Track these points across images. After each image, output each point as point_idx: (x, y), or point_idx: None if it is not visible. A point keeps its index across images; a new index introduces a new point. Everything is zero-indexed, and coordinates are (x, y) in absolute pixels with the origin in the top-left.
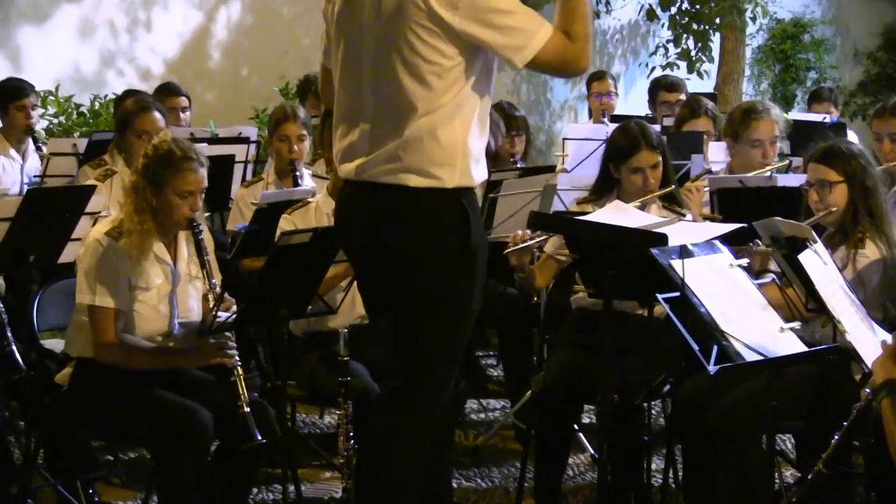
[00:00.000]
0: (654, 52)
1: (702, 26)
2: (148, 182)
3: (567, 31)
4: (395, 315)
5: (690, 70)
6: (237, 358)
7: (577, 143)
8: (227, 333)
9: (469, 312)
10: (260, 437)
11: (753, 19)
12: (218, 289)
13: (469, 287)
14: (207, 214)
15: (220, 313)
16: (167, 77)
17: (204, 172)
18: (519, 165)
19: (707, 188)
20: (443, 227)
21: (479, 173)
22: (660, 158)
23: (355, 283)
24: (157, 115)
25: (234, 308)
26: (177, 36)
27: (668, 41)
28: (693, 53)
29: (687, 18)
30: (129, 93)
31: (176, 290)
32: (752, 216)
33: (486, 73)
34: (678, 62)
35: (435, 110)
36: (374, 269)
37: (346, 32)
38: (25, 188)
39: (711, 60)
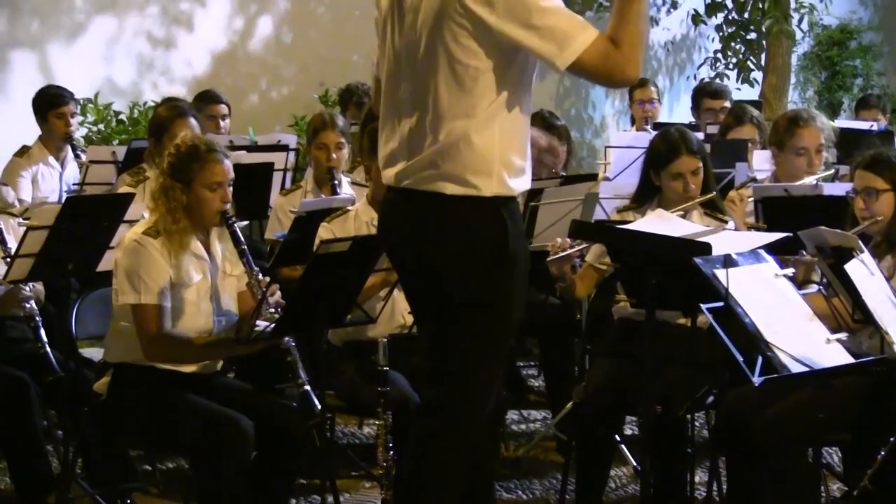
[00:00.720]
0: (703, 64)
1: (751, 34)
2: (176, 180)
3: (614, 36)
4: (434, 324)
5: (744, 80)
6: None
7: (620, 150)
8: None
9: (508, 323)
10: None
11: (811, 27)
12: (260, 275)
13: (507, 297)
14: (246, 223)
15: (258, 322)
16: (207, 84)
17: (229, 164)
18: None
19: (751, 197)
20: (479, 236)
21: (519, 182)
22: (700, 164)
23: (395, 292)
24: (192, 121)
25: (274, 286)
26: (217, 43)
27: (716, 52)
28: (744, 60)
29: (734, 28)
30: (168, 100)
31: (215, 287)
32: (797, 225)
33: (525, 78)
34: (727, 72)
35: (472, 115)
36: (415, 278)
37: (389, 39)
38: (64, 196)
39: (761, 69)
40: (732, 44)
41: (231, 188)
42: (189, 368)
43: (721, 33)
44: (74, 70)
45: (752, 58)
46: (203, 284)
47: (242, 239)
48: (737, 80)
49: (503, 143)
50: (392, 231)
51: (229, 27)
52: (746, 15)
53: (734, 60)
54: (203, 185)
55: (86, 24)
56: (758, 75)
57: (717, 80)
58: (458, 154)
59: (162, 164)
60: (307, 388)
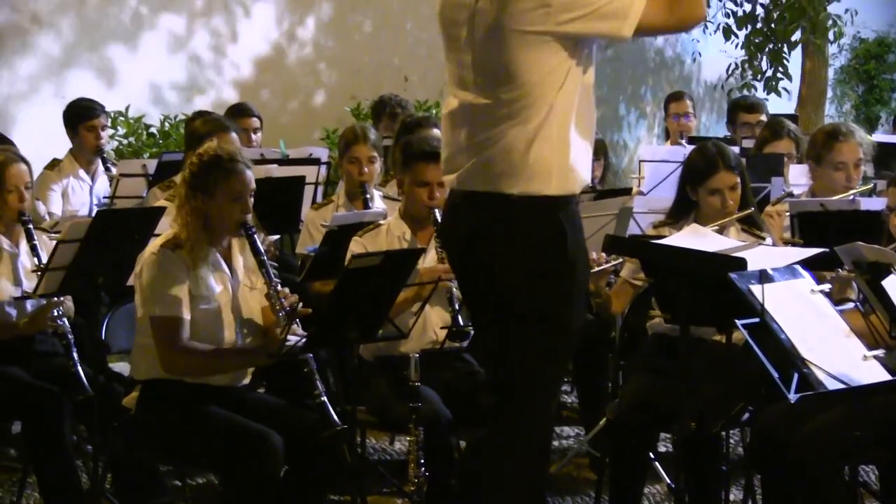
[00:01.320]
0: (731, 74)
1: (776, 45)
2: (197, 191)
3: None
4: (495, 330)
5: (768, 90)
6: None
7: (654, 165)
8: (294, 326)
9: (567, 331)
10: (337, 421)
11: (838, 37)
12: (279, 286)
13: (566, 304)
14: (277, 237)
15: (289, 337)
16: (238, 97)
17: (251, 175)
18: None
19: (787, 212)
20: (538, 239)
21: (579, 180)
22: (738, 180)
23: (426, 307)
24: (234, 135)
25: (292, 297)
26: (247, 57)
27: (742, 61)
28: (769, 72)
29: (760, 38)
30: (199, 114)
31: (236, 299)
32: (834, 241)
33: (584, 78)
34: (754, 83)
35: (531, 116)
36: (475, 282)
37: (456, 48)
38: (95, 210)
39: (790, 78)
40: (759, 54)
41: (252, 199)
42: (218, 381)
43: (747, 46)
44: (112, 81)
45: (779, 68)
46: (224, 296)
47: (262, 249)
48: (763, 90)
49: (564, 141)
50: (452, 235)
51: (262, 41)
52: (773, 25)
53: (762, 70)
54: (225, 196)
55: (125, 35)
56: (787, 84)
57: (746, 91)
58: (518, 154)
59: (183, 174)
60: (324, 399)
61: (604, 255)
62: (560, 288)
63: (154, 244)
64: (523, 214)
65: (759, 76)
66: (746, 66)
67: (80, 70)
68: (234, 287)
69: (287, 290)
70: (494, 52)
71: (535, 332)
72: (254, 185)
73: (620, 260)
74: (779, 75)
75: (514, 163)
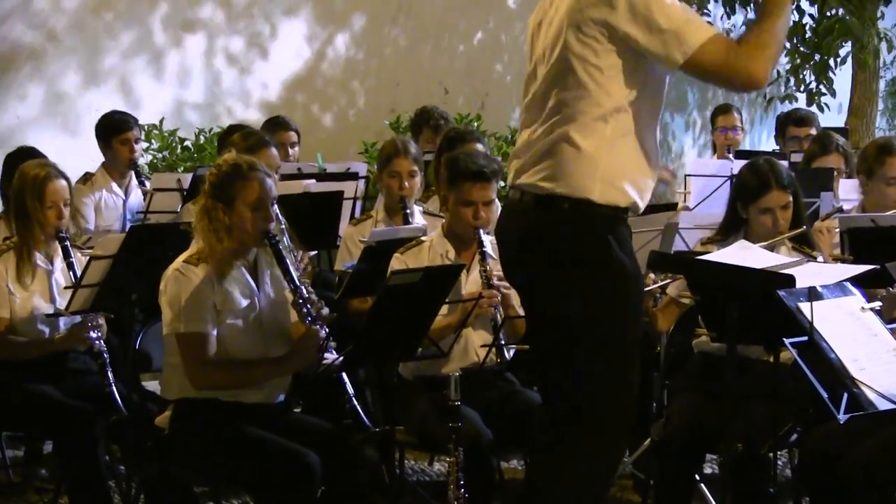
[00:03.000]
0: (774, 82)
1: (822, 58)
2: (218, 200)
3: (742, 39)
4: (544, 339)
5: (809, 103)
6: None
7: (701, 179)
8: (321, 328)
9: (624, 345)
10: (371, 426)
11: (890, 48)
12: (305, 292)
13: (619, 317)
14: (314, 252)
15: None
16: (274, 111)
17: (272, 182)
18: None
19: (837, 228)
20: (578, 239)
21: (625, 194)
22: (790, 198)
23: (469, 328)
24: (273, 151)
25: (318, 303)
26: (285, 69)
27: (787, 72)
28: (813, 86)
29: (807, 49)
30: (234, 127)
31: (263, 314)
32: (884, 257)
33: (651, 90)
34: (797, 94)
35: (585, 117)
36: (522, 283)
37: (531, 51)
38: (128, 225)
39: (833, 94)
40: (805, 65)
41: (275, 207)
42: (252, 399)
43: (792, 56)
44: (145, 94)
45: (823, 82)
46: (250, 310)
47: (286, 257)
48: (807, 103)
49: (615, 146)
50: (505, 234)
51: (300, 54)
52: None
53: (805, 82)
54: (245, 205)
55: (157, 47)
56: (829, 101)
57: (788, 103)
58: (564, 153)
59: (203, 187)
60: (354, 403)
61: (652, 275)
62: (604, 292)
63: (177, 260)
64: (566, 212)
65: (801, 87)
66: (790, 76)
67: (106, 87)
68: (262, 301)
69: (314, 296)
70: (559, 50)
71: (588, 347)
72: (275, 194)
73: (668, 281)
74: (822, 89)
75: (558, 161)
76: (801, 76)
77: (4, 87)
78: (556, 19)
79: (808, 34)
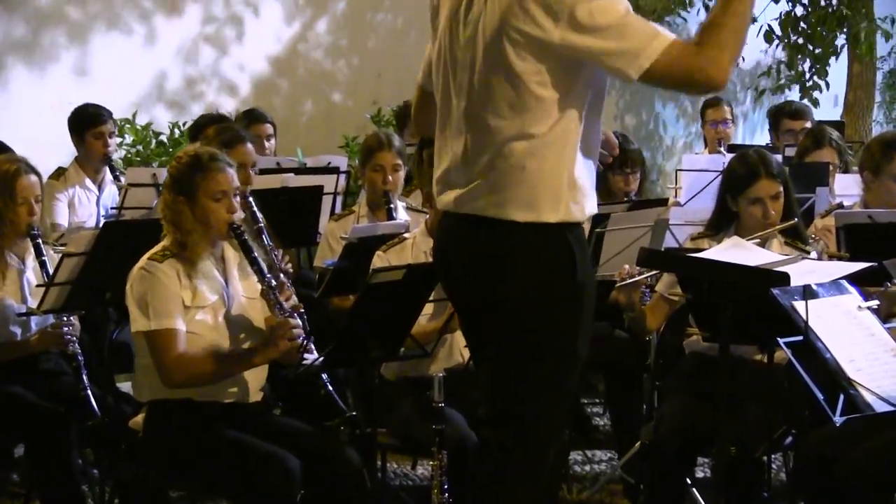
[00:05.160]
0: (767, 73)
1: (817, 50)
2: (179, 194)
3: (698, 38)
4: (496, 359)
5: (803, 96)
6: (305, 341)
7: (692, 174)
8: (293, 316)
9: (574, 357)
10: (345, 408)
11: (888, 37)
12: (274, 281)
13: (574, 330)
14: (293, 249)
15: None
16: (251, 103)
17: (233, 172)
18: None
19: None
20: (546, 265)
21: (587, 207)
22: (781, 188)
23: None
24: (250, 146)
25: (288, 292)
26: (262, 59)
27: (780, 62)
28: (807, 77)
29: (802, 39)
30: (207, 118)
31: (233, 308)
32: (882, 254)
33: (593, 95)
34: (790, 84)
35: (536, 136)
36: (477, 310)
37: (446, 51)
38: (102, 221)
39: (825, 88)
40: (800, 56)
41: (238, 199)
42: (226, 398)
43: (788, 47)
44: (117, 85)
45: (818, 75)
46: (219, 306)
47: (253, 248)
48: (800, 96)
49: (571, 163)
50: (451, 259)
51: (278, 41)
52: (816, 29)
53: (798, 72)
54: (207, 196)
55: (129, 36)
56: (823, 94)
57: (780, 94)
58: (522, 178)
59: (164, 182)
60: (329, 389)
61: (637, 267)
62: (568, 313)
63: (142, 258)
64: (531, 238)
65: (799, 79)
66: (784, 67)
67: (82, 74)
68: (231, 296)
69: (286, 284)
70: (496, 67)
71: (542, 359)
72: (237, 184)
73: (653, 272)
74: (816, 80)
75: (519, 187)
76: (799, 68)
77: None
78: (487, 27)
79: (802, 25)
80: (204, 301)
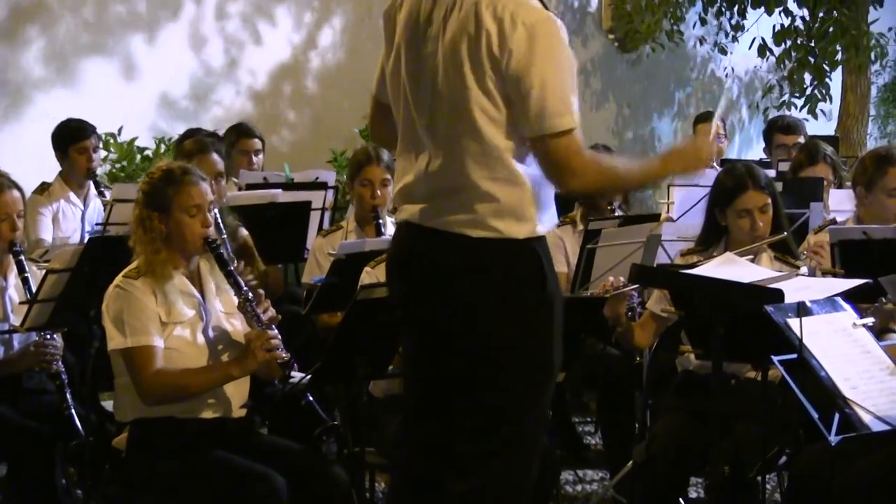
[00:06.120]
0: (769, 91)
1: (817, 62)
2: (153, 209)
3: (604, 157)
4: (462, 373)
5: (811, 111)
6: (284, 354)
7: (684, 189)
8: (271, 328)
9: (550, 370)
10: (327, 418)
11: (880, 57)
12: (251, 294)
13: (548, 342)
14: (280, 266)
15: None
16: (238, 118)
17: (206, 186)
18: (618, 213)
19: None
20: (516, 278)
21: (549, 220)
22: (769, 200)
23: None
24: (215, 156)
25: (266, 303)
26: (248, 74)
27: (781, 79)
28: (809, 91)
29: (802, 53)
30: (191, 132)
31: (211, 324)
32: (877, 271)
33: None
34: (794, 101)
35: (498, 153)
36: (439, 326)
37: (404, 66)
38: (86, 237)
39: (829, 100)
40: (799, 72)
41: (212, 213)
42: (209, 414)
43: (788, 60)
44: (102, 100)
45: (819, 88)
46: (196, 321)
47: (228, 261)
48: (802, 108)
49: (532, 182)
50: (412, 273)
51: (266, 57)
52: (814, 42)
53: (804, 87)
54: (181, 210)
55: (114, 53)
56: (826, 106)
57: (786, 111)
58: (486, 195)
59: (137, 197)
60: (310, 399)
61: (622, 278)
62: (540, 325)
63: (118, 277)
64: (499, 251)
65: (799, 94)
66: (784, 83)
67: (69, 87)
68: (208, 311)
69: (262, 293)
70: (456, 84)
71: (515, 374)
72: (211, 197)
73: (634, 286)
74: (818, 94)
75: (485, 205)
76: (801, 82)
77: None
78: (449, 45)
79: (801, 40)
80: (180, 317)
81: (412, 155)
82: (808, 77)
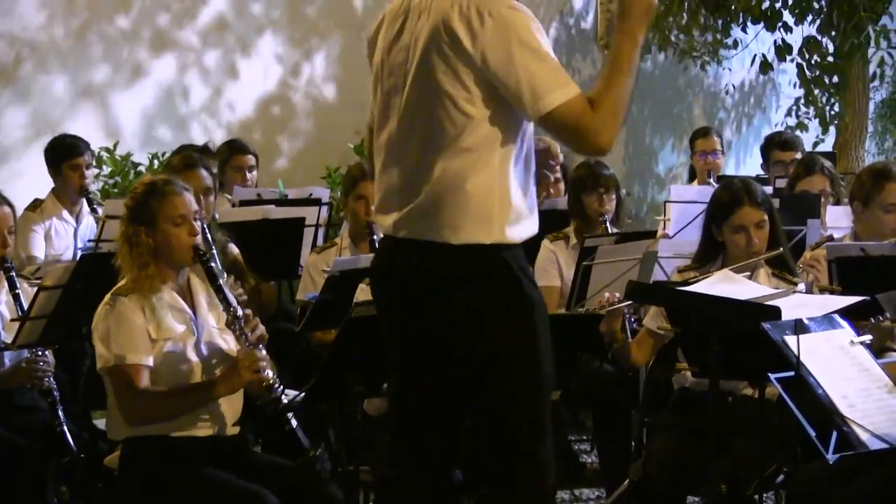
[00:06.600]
0: (789, 114)
1: (832, 79)
2: (138, 224)
3: (595, 99)
4: (447, 387)
5: (826, 130)
6: (270, 373)
7: (681, 206)
8: (258, 348)
9: (541, 377)
10: (308, 446)
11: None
12: (240, 311)
13: (533, 348)
14: (273, 283)
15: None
16: (231, 134)
17: (190, 196)
18: (609, 227)
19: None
20: (490, 285)
21: (524, 229)
22: (765, 216)
23: None
24: (203, 172)
25: (260, 325)
26: (244, 89)
27: (797, 99)
28: (827, 108)
29: (818, 71)
30: (184, 147)
31: (203, 338)
32: (875, 288)
33: (527, 128)
34: (808, 119)
35: (466, 157)
36: (421, 337)
37: (382, 79)
38: (79, 253)
39: (840, 117)
40: (817, 91)
41: (198, 223)
42: (202, 432)
43: (804, 81)
44: (99, 116)
45: (836, 106)
46: (187, 337)
47: (218, 275)
48: (823, 131)
49: (504, 183)
50: (391, 285)
51: (263, 74)
52: (830, 58)
53: (819, 107)
54: (167, 221)
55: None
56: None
57: (799, 131)
58: (453, 200)
59: (122, 214)
60: (294, 424)
61: (617, 294)
62: (521, 330)
63: (107, 295)
64: (470, 259)
65: (818, 114)
66: (801, 103)
67: (66, 107)
68: (199, 325)
69: (250, 312)
70: (425, 87)
71: (505, 381)
72: (195, 207)
73: (628, 302)
74: (832, 111)
75: (453, 209)
76: (819, 103)
77: None
78: (417, 51)
79: (815, 58)
80: (170, 333)
81: (387, 167)
82: (824, 95)
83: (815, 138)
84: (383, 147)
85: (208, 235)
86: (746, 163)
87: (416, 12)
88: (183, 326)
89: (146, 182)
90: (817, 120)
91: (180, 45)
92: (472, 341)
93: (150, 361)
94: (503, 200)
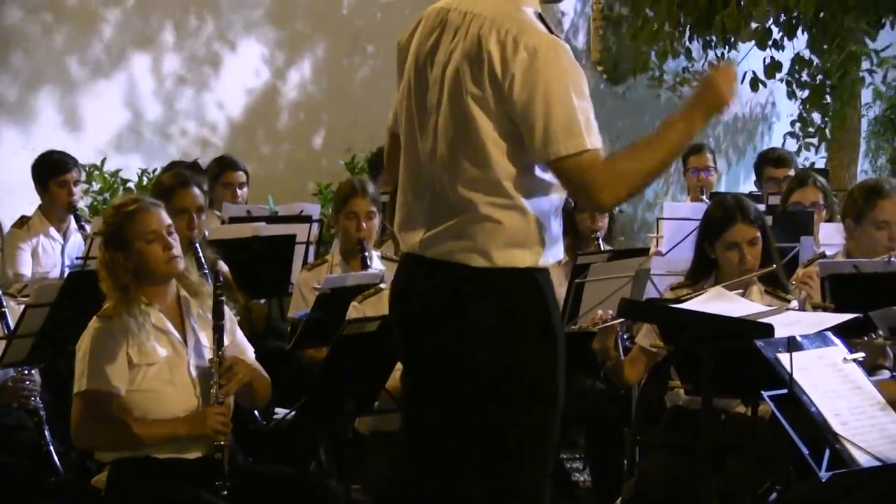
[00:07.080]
0: (793, 136)
1: (827, 97)
2: (115, 249)
3: (616, 155)
4: (464, 412)
5: (824, 145)
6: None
7: (673, 223)
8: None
9: (556, 404)
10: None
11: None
12: (223, 361)
13: (553, 375)
14: (264, 301)
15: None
16: (222, 150)
17: (161, 212)
18: (602, 245)
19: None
20: (520, 309)
21: (555, 253)
22: (758, 234)
23: None
24: (196, 190)
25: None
26: (233, 103)
27: (793, 121)
28: (823, 127)
29: (809, 91)
30: (174, 164)
31: (193, 361)
32: (868, 305)
33: None
34: (811, 141)
35: (501, 183)
36: (441, 358)
37: (413, 93)
38: (66, 271)
39: (833, 133)
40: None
41: (173, 238)
42: (190, 454)
43: (795, 99)
44: (82, 130)
45: (835, 118)
46: (174, 360)
47: (221, 314)
48: (818, 149)
49: (537, 214)
50: (413, 305)
51: (249, 89)
52: (819, 77)
53: (819, 127)
54: (140, 239)
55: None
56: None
57: (806, 152)
58: (489, 225)
59: (98, 242)
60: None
61: (610, 311)
62: (545, 357)
63: (94, 318)
64: (503, 282)
65: (816, 134)
66: (798, 125)
67: (48, 118)
68: (190, 348)
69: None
70: (460, 114)
71: (521, 407)
72: (168, 221)
73: (620, 320)
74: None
75: (487, 235)
76: (811, 122)
77: None
78: (452, 71)
79: (804, 77)
80: (153, 357)
81: (416, 183)
82: (817, 116)
83: (813, 156)
84: (412, 164)
85: (200, 255)
86: (739, 181)
87: (451, 29)
88: (167, 350)
89: (115, 205)
90: (816, 139)
91: (164, 61)
92: (495, 365)
93: (121, 390)
94: (538, 229)
